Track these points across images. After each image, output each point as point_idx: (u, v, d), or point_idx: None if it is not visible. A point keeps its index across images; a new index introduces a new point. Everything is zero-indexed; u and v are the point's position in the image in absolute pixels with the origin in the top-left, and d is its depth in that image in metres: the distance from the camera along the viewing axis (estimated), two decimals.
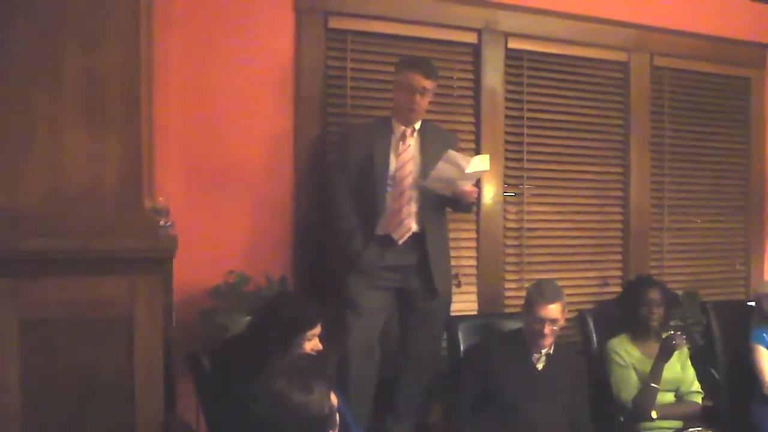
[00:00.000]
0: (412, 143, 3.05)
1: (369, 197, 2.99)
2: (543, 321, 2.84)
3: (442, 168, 2.91)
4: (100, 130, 2.17)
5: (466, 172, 2.91)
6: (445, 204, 3.12)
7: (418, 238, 3.04)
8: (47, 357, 2.12)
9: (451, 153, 2.93)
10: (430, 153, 3.04)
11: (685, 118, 4.24)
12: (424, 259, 3.05)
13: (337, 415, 1.75)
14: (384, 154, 3.01)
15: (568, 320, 3.09)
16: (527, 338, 2.92)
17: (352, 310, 2.97)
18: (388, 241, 3.00)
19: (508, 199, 3.76)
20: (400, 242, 3.00)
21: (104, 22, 2.19)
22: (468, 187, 3.01)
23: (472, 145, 3.65)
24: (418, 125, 3.07)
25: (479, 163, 2.97)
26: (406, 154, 3.03)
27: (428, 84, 3.01)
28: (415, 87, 2.98)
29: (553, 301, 2.85)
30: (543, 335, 2.85)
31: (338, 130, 3.32)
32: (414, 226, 3.02)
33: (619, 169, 4.05)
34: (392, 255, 3.01)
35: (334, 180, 3.07)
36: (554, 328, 2.86)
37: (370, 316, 3.00)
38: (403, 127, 3.05)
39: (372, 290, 3.00)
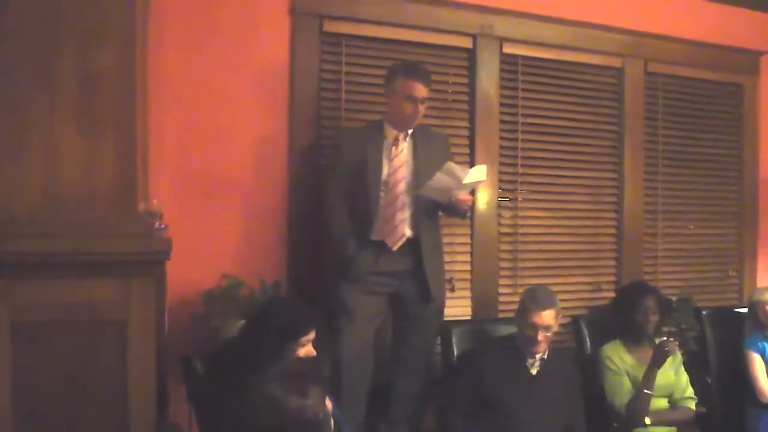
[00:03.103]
0: (404, 148, 3.04)
1: (362, 203, 2.98)
2: (536, 327, 2.83)
3: (439, 178, 2.91)
4: (95, 132, 2.17)
5: (463, 182, 2.92)
6: (438, 209, 3.12)
7: (412, 244, 3.03)
8: (39, 359, 2.11)
9: (450, 164, 2.92)
10: (422, 158, 3.04)
11: (678, 124, 4.26)
12: (419, 264, 3.04)
13: (332, 420, 1.75)
14: (376, 159, 3.00)
15: (562, 325, 3.09)
16: (521, 343, 2.91)
17: (346, 316, 2.96)
18: (382, 247, 2.99)
19: (503, 204, 3.76)
20: (395, 248, 2.99)
21: (100, 23, 2.18)
22: (463, 195, 3.01)
23: (467, 150, 3.66)
24: (410, 129, 3.07)
25: (476, 174, 2.97)
26: (398, 159, 3.02)
27: (427, 92, 3.02)
28: (417, 97, 2.98)
29: (546, 308, 2.85)
30: (536, 341, 2.85)
31: (332, 134, 3.31)
32: (408, 232, 3.01)
33: (613, 175, 4.06)
34: (386, 261, 3.00)
35: (327, 184, 3.07)
36: (548, 334, 2.86)
37: (363, 321, 2.99)
38: (396, 132, 3.04)
39: (365, 295, 2.99)
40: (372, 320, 3.03)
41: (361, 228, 2.97)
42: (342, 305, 2.96)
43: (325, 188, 3.09)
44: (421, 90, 2.99)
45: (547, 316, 2.84)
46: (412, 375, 3.12)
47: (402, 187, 3.00)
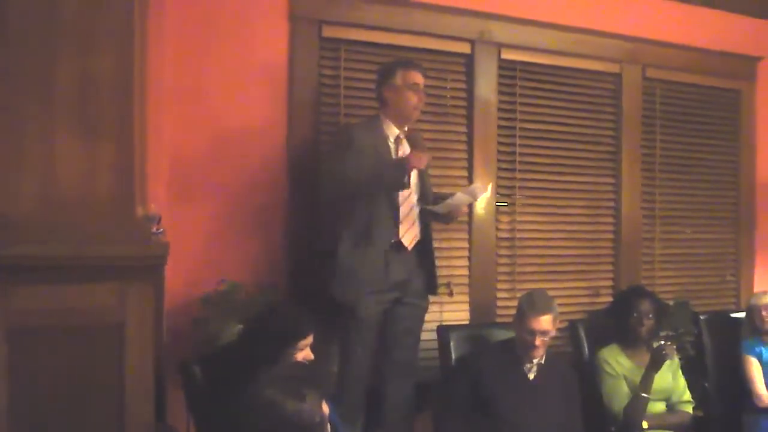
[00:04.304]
0: (407, 148, 3.04)
1: (384, 203, 2.94)
2: (534, 333, 2.84)
3: (459, 197, 2.95)
4: (93, 137, 2.16)
5: (477, 199, 2.98)
6: (429, 218, 3.12)
7: (419, 244, 3.05)
8: (36, 364, 2.10)
9: (473, 186, 2.98)
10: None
11: (676, 130, 4.27)
12: (428, 259, 3.08)
13: (329, 425, 1.75)
14: (390, 158, 3.00)
15: (559, 330, 3.09)
16: (519, 348, 2.92)
17: (354, 324, 2.94)
18: (392, 253, 2.97)
19: (501, 209, 3.77)
20: (410, 248, 3.00)
21: (98, 28, 2.18)
22: (465, 208, 3.05)
23: (465, 155, 3.67)
24: (407, 126, 3.08)
25: (486, 191, 3.03)
26: None
27: (424, 81, 3.05)
28: (419, 84, 3.01)
29: (544, 313, 2.86)
30: (534, 346, 2.85)
31: (331, 139, 3.30)
32: (418, 232, 3.03)
33: (611, 180, 4.07)
34: (396, 268, 2.98)
35: (337, 165, 2.90)
36: (545, 339, 2.87)
37: (369, 328, 2.98)
38: (396, 130, 3.04)
39: (374, 305, 2.97)
40: (375, 327, 3.02)
41: (384, 229, 2.94)
42: (351, 314, 2.94)
43: (330, 166, 2.95)
44: (420, 78, 3.02)
45: (545, 322, 2.85)
46: (406, 376, 3.11)
47: (411, 186, 2.99)
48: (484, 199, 3.04)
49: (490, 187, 3.04)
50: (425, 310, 3.16)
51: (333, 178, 2.94)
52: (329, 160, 3.03)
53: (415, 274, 3.05)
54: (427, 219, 3.11)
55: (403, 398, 3.13)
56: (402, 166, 2.85)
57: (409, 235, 2.99)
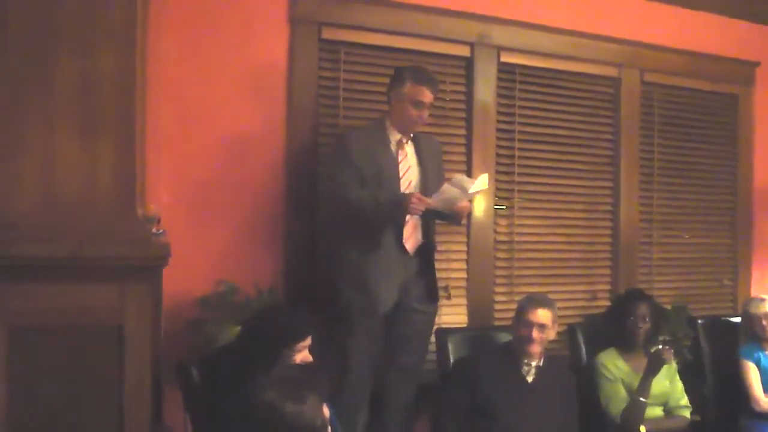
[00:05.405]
0: (409, 151, 3.05)
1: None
2: (531, 325, 2.85)
3: (447, 189, 2.93)
4: (93, 137, 2.17)
5: (469, 192, 2.94)
6: (436, 217, 3.12)
7: (419, 248, 3.05)
8: (35, 365, 2.10)
9: (458, 176, 2.96)
10: (426, 161, 3.07)
11: (674, 134, 4.28)
12: (428, 266, 3.08)
13: (329, 427, 1.75)
14: (391, 163, 2.99)
15: (557, 333, 3.10)
16: (517, 348, 2.93)
17: (356, 326, 2.94)
18: (396, 255, 2.98)
19: (499, 212, 3.77)
20: (412, 252, 3.01)
21: (99, 28, 2.19)
22: (465, 203, 3.03)
23: (463, 158, 3.67)
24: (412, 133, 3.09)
25: (480, 183, 2.99)
26: (405, 162, 3.03)
27: (433, 98, 3.04)
28: (425, 102, 2.99)
29: (542, 306, 2.89)
30: (531, 340, 2.85)
31: (330, 141, 3.30)
32: (420, 236, 3.03)
33: (609, 184, 4.07)
34: (399, 270, 2.99)
35: (336, 176, 2.96)
36: (543, 335, 2.87)
37: (369, 331, 2.97)
38: (399, 135, 3.05)
39: (386, 302, 2.97)
40: (376, 331, 3.02)
41: (389, 234, 2.95)
42: (349, 321, 2.95)
43: (334, 181, 2.98)
44: (428, 96, 3.00)
45: (543, 315, 2.86)
46: (408, 380, 3.11)
47: (412, 190, 2.98)
48: (479, 187, 2.98)
49: (484, 178, 2.99)
50: (432, 315, 3.16)
51: (332, 198, 3.00)
52: (328, 174, 3.06)
53: (416, 276, 3.05)
54: (433, 219, 3.10)
55: (404, 401, 3.13)
56: (401, 208, 2.84)
57: (411, 240, 3.01)
